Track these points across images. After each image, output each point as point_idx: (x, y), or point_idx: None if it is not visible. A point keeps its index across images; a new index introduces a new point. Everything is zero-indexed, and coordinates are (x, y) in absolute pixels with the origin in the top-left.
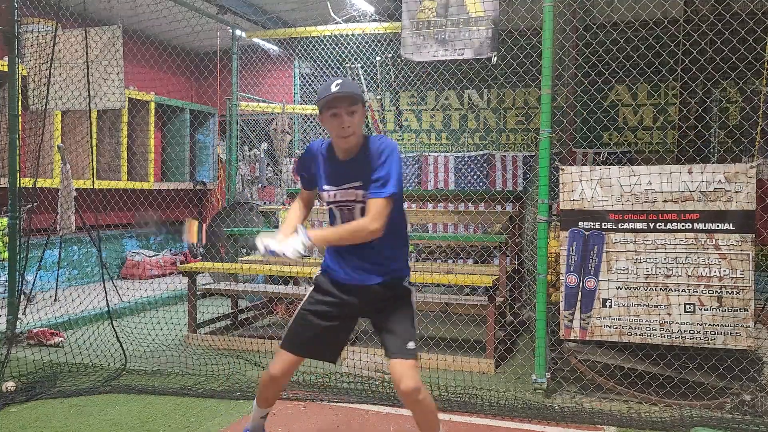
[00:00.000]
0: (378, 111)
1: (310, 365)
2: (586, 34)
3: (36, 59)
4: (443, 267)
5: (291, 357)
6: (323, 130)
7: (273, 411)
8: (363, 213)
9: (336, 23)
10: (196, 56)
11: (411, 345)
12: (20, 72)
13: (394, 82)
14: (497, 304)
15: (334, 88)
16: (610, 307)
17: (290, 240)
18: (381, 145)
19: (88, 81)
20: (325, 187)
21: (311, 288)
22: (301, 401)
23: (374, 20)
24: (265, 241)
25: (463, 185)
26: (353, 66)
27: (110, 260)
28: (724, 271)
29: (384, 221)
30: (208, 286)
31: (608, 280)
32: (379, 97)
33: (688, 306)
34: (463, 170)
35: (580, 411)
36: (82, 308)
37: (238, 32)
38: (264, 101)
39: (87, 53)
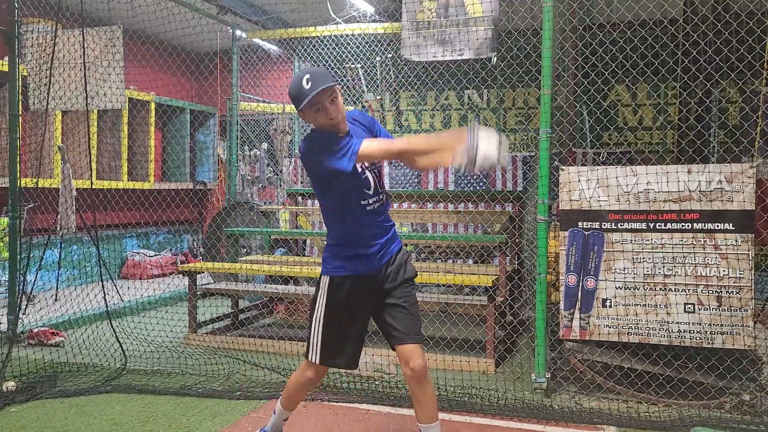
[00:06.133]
0: (378, 111)
1: None
2: (586, 34)
3: (36, 59)
4: (443, 267)
5: (324, 368)
6: None
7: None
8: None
9: (336, 23)
10: (196, 56)
11: (420, 330)
12: (20, 72)
13: (394, 82)
14: (497, 304)
15: (306, 85)
16: (610, 306)
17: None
18: (364, 116)
19: (86, 81)
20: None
21: (325, 296)
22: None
23: (374, 20)
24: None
25: (463, 185)
26: (353, 66)
27: (110, 260)
28: (724, 270)
29: None
30: (208, 286)
31: (608, 280)
32: (379, 97)
33: (687, 306)
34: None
35: (580, 411)
36: (83, 308)
37: (238, 32)
38: (264, 101)
39: (84, 54)
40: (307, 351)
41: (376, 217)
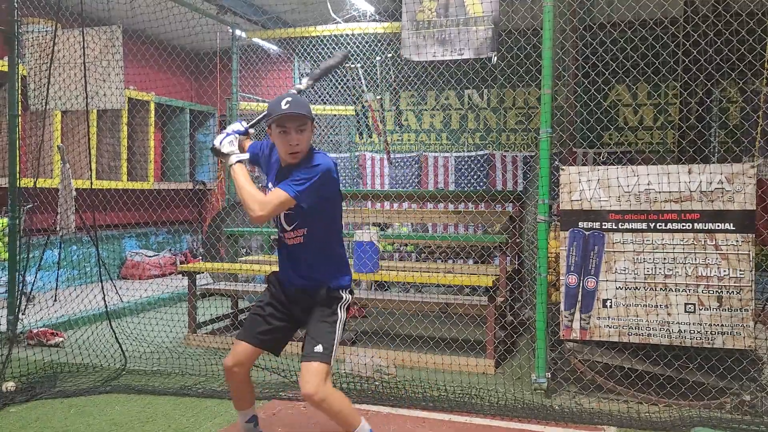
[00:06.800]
0: (378, 111)
1: None
2: (586, 34)
3: (36, 59)
4: (443, 267)
5: (244, 346)
6: (324, 130)
7: (273, 411)
8: (299, 217)
9: (336, 23)
10: (196, 56)
11: (319, 348)
12: (20, 72)
13: (394, 82)
14: (497, 304)
15: (284, 106)
16: (611, 307)
17: (230, 145)
18: (318, 159)
19: (86, 82)
20: (269, 186)
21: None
22: (301, 401)
23: (374, 20)
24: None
25: (463, 185)
26: (353, 66)
27: (110, 260)
28: (724, 271)
29: (270, 212)
30: (208, 286)
31: (608, 280)
32: (379, 97)
33: (688, 306)
34: (463, 170)
35: (580, 411)
36: (82, 308)
37: (238, 32)
38: (264, 101)
39: (84, 54)
40: None
41: (291, 248)
